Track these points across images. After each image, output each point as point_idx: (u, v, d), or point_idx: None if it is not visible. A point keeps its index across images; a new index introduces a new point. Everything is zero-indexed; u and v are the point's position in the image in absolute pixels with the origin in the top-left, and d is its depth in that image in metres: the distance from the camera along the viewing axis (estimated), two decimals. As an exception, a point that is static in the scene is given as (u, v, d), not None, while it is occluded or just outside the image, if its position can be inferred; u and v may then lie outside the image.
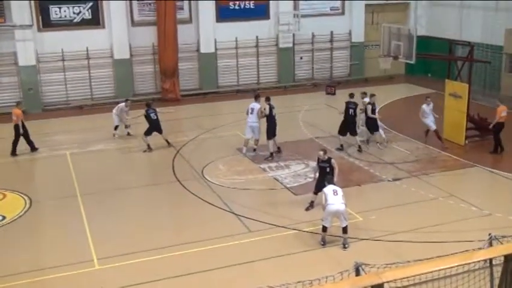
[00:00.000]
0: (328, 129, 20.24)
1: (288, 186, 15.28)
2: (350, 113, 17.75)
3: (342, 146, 17.94)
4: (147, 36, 25.21)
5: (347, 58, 28.74)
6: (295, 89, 27.54)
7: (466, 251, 7.76)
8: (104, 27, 24.75)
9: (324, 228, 12.03)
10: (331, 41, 28.24)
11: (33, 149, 18.60)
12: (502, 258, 7.46)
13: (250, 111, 17.44)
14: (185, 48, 25.92)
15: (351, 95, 18.03)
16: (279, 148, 17.52)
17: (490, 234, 8.18)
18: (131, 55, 25.27)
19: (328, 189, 12.02)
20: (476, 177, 15.86)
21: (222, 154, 17.73)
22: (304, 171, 16.35)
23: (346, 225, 11.93)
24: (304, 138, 19.28)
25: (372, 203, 13.91)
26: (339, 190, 12.01)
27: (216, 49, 26.42)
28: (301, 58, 28.02)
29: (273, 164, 16.83)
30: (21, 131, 18.29)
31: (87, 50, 24.57)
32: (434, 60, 25.17)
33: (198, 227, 13.00)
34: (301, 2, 27.28)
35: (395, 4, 29.08)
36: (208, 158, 17.43)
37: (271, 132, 16.98)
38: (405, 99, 24.98)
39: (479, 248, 7.81)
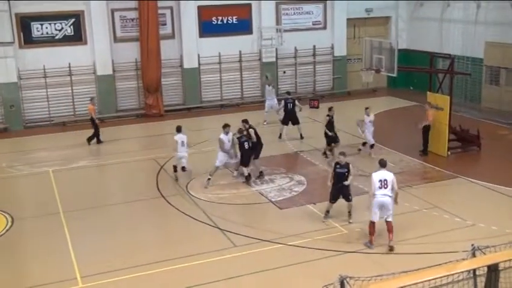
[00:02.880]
0: (312, 142, 20.32)
1: (273, 200, 15.28)
2: (289, 106, 20.52)
3: (280, 135, 20.29)
4: (130, 52, 25.20)
5: (330, 72, 28.95)
6: (279, 102, 27.57)
7: (450, 262, 7.82)
8: (86, 43, 24.69)
9: (372, 226, 12.10)
10: (313, 55, 28.43)
11: None
12: (486, 269, 7.53)
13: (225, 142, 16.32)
14: (168, 63, 25.94)
15: (288, 93, 21.50)
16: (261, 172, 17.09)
17: (473, 244, 8.23)
18: (114, 71, 25.22)
19: (377, 176, 11.94)
20: (459, 188, 16.00)
21: (206, 169, 17.68)
22: (288, 185, 16.37)
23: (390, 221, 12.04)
24: (288, 152, 19.34)
25: (356, 215, 13.94)
26: (389, 178, 11.91)
27: (199, 64, 26.47)
28: (284, 72, 28.16)
29: (257, 178, 16.81)
30: None
31: (69, 66, 24.48)
32: (416, 72, 25.47)
33: (183, 242, 12.94)
34: (283, 16, 27.50)
35: (377, 18, 29.41)
36: (193, 173, 17.36)
37: (257, 153, 16.85)
38: (388, 112, 25.18)
39: (463, 259, 7.86)
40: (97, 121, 21.27)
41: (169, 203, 15.21)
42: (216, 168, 16.40)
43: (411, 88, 28.43)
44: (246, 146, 16.34)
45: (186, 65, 26.25)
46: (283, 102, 21.31)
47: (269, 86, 23.64)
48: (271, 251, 12.35)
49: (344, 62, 28.89)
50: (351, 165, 13.32)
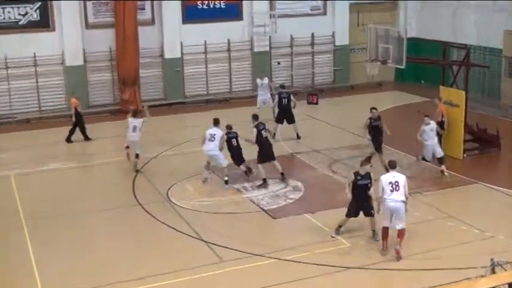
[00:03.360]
0: (311, 143, 20.24)
1: (265, 208, 15.17)
2: (283, 102, 20.52)
3: (274, 134, 19.85)
4: (104, 40, 25.02)
5: (330, 63, 28.91)
6: (272, 98, 27.49)
7: (467, 279, 7.76)
8: (53, 29, 24.52)
9: (385, 231, 12.15)
10: (312, 44, 28.40)
11: None
12: (506, 287, 7.44)
13: (209, 137, 16.47)
14: (147, 53, 25.79)
15: (282, 86, 21.51)
16: (249, 169, 17.16)
17: (492, 259, 8.21)
18: (85, 61, 25.04)
19: (387, 178, 12.11)
20: (477, 196, 15.94)
21: (189, 173, 17.57)
22: (283, 191, 16.25)
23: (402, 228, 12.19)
24: (284, 153, 19.22)
25: (361, 226, 13.83)
26: (401, 180, 12.07)
27: (182, 54, 26.34)
28: (278, 63, 28.11)
29: (248, 184, 16.71)
30: None
31: (34, 56, 24.27)
32: (427, 64, 25.43)
33: (162, 257, 12.81)
34: (278, 1, 27.42)
35: (383, 3, 29.41)
36: (174, 177, 17.25)
37: (261, 157, 16.63)
38: (395, 109, 25.16)
39: (481, 276, 7.81)
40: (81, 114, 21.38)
41: (147, 212, 15.10)
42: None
43: (422, 82, 28.41)
44: (234, 142, 16.55)
45: (167, 55, 26.12)
46: (277, 97, 21.20)
47: (261, 79, 23.50)
48: (263, 267, 12.22)
49: (346, 52, 28.86)
50: (372, 174, 12.94)
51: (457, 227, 13.82)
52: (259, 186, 16.44)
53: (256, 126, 16.77)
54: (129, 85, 25.31)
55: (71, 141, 21.15)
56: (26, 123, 24.12)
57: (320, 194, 16.09)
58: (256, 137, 16.63)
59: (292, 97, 21.06)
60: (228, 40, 26.92)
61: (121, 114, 24.38)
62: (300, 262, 12.26)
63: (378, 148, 17.29)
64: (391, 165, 12.47)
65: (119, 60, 25.16)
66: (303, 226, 14.12)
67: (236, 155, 16.74)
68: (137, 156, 17.90)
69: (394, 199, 12.09)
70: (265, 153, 16.60)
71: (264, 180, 16.49)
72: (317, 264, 12.05)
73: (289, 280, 11.64)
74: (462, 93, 18.23)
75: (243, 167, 16.86)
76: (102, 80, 25.58)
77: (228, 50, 27.09)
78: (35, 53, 24.24)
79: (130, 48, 24.98)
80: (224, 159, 16.63)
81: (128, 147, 18.13)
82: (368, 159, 13.39)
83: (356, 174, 12.89)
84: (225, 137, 16.56)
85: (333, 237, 13.30)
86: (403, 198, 12.15)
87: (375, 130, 17.28)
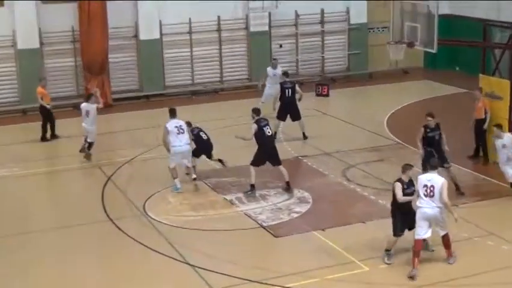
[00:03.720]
0: (320, 144, 20.33)
1: (264, 224, 15.26)
2: (287, 94, 20.42)
3: (275, 133, 19.32)
4: (65, 18, 25.22)
5: (344, 46, 29.02)
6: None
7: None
8: (2, 5, 24.63)
9: (418, 244, 12.81)
10: (321, 22, 28.54)
11: None
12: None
13: (176, 130, 16.95)
14: (118, 33, 25.95)
15: (285, 74, 21.65)
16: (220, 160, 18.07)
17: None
18: (42, 44, 25.16)
19: (422, 180, 12.79)
20: (523, 209, 16.08)
21: (171, 182, 17.65)
22: (286, 203, 16.35)
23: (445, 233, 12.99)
24: (287, 157, 19.31)
25: (382, 246, 13.95)
26: (437, 185, 12.67)
27: (161, 34, 26.48)
28: (280, 46, 28.22)
29: (243, 195, 16.81)
30: None
31: (-21, 37, 24.44)
32: (464, 47, 25.56)
33: (139, 284, 12.86)
34: (279, -31, 27.57)
35: (409, -29, 29.54)
36: (152, 186, 17.33)
37: (258, 159, 16.81)
38: (424, 102, 25.27)
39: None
40: (49, 108, 21.86)
41: (120, 229, 15.15)
42: None
43: (457, 69, 28.53)
44: (204, 136, 17.70)
45: (143, 36, 26.27)
46: (278, 86, 21.30)
47: (274, 68, 23.43)
48: (263, 296, 12.30)
49: (364, 33, 29.02)
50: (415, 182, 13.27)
51: (498, 246, 13.92)
52: (246, 193, 16.62)
53: (257, 122, 16.85)
54: (95, 73, 25.40)
55: (47, 139, 21.64)
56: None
57: (331, 206, 16.20)
58: (255, 134, 16.71)
59: (297, 88, 21.03)
60: (218, 18, 27.07)
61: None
62: (307, 290, 12.35)
63: (444, 161, 16.37)
64: (432, 166, 13.10)
65: (83, 43, 25.24)
66: (310, 246, 14.19)
67: (206, 148, 17.67)
68: (89, 146, 19.47)
69: (429, 205, 12.71)
70: (266, 156, 16.71)
71: (252, 186, 16.67)
72: (329, 293, 12.16)
73: (294, 312, 11.78)
74: (506, 83, 18.35)
75: (215, 157, 17.89)
76: (62, 66, 25.72)
77: (218, 30, 27.22)
78: (-21, 34, 24.41)
79: (97, 27, 25.10)
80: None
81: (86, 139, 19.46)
82: (410, 166, 13.48)
83: (399, 182, 13.10)
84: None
85: (386, 263, 13.29)
86: (439, 204, 12.70)
87: (431, 143, 16.53)
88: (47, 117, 21.76)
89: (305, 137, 20.89)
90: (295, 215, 15.72)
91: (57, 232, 15.43)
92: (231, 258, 13.72)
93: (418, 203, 12.77)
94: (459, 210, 15.49)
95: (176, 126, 16.98)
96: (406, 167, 13.28)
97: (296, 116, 20.86)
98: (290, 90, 20.78)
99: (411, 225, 13.16)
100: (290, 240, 14.52)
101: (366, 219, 15.21)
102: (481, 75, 19.12)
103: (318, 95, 26.19)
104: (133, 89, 26.67)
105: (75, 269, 13.61)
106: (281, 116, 20.89)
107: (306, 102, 21.94)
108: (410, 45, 19.01)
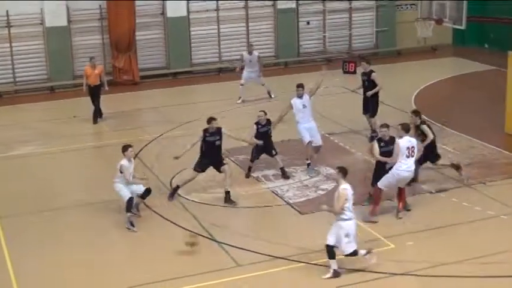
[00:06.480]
0: (347, 122, 20.29)
1: (291, 201, 15.33)
2: (365, 84, 18.80)
3: (374, 131, 18.20)
4: (92, -5, 25.26)
5: (372, 23, 28.84)
6: (300, 66, 27.58)
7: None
8: (30, -18, 24.78)
9: (380, 193, 14.07)
10: (349, -1, 28.40)
11: None
12: None
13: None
14: (145, 11, 25.98)
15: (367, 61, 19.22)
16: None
17: None
18: (70, 21, 25.28)
19: (404, 143, 13.82)
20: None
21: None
22: (313, 180, 16.40)
23: None
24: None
25: (408, 223, 13.96)
26: (416, 145, 14.00)
27: (188, 12, 26.47)
28: (308, 23, 28.11)
29: (270, 172, 16.87)
30: None
31: (7, 15, 24.54)
32: (493, 24, 25.30)
33: (166, 261, 12.96)
34: None
35: None
36: (179, 163, 17.40)
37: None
38: (453, 79, 25.10)
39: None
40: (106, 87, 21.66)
41: (146, 205, 15.19)
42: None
43: (486, 46, 28.25)
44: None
45: (170, 13, 26.28)
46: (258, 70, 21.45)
47: (250, 54, 22.88)
48: (289, 273, 12.36)
49: (392, 9, 28.79)
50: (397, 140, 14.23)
51: (526, 225, 13.88)
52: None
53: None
54: (123, 50, 25.50)
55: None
56: (-3, 98, 24.48)
57: (357, 184, 16.15)
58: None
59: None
60: (245, -5, 27.02)
61: (114, 86, 24.61)
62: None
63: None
64: (405, 129, 14.06)
65: (110, 20, 25.34)
66: (336, 223, 14.29)
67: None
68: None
69: (410, 167, 13.87)
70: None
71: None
72: (354, 270, 12.15)
73: (319, 288, 11.81)
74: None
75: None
76: (90, 44, 25.79)
77: (245, 7, 27.16)
78: (7, 12, 24.50)
79: (125, 5, 25.17)
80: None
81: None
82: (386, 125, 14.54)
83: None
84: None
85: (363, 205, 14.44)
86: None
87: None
88: (92, 97, 21.32)
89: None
90: (322, 192, 15.75)
91: (85, 209, 15.53)
92: (257, 235, 13.80)
93: (400, 164, 13.74)
94: (486, 188, 15.54)
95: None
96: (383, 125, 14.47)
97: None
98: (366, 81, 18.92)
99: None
100: (316, 218, 14.55)
101: (391, 197, 15.20)
102: (510, 52, 18.94)
103: (345, 72, 26.09)
104: (160, 66, 26.75)
105: (102, 246, 13.76)
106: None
107: (334, 80, 21.84)
108: (439, 22, 18.92)
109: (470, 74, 25.39)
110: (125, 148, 14.60)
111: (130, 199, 14.38)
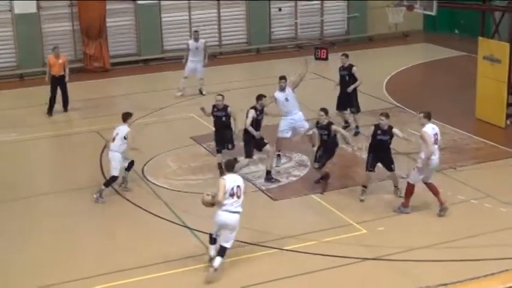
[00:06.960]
0: (318, 108, 20.27)
1: (263, 188, 15.37)
2: (346, 79, 18.38)
3: (346, 122, 18.47)
4: (62, -19, 25.06)
5: (343, 9, 28.89)
6: (272, 52, 27.60)
7: (507, 270, 7.92)
8: (-2, -31, 24.53)
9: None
10: (320, -15, 28.39)
11: None
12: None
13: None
14: (116, -4, 25.83)
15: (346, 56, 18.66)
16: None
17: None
18: (39, 8, 25.06)
19: (429, 130, 13.63)
20: (521, 171, 16.14)
21: (170, 145, 17.69)
22: (285, 167, 16.42)
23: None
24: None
25: (380, 209, 14.04)
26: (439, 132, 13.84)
27: (159, -2, 26.37)
28: (279, 10, 28.09)
29: (241, 158, 16.83)
30: None
31: (-25, 2, 24.32)
32: (464, 10, 25.44)
33: (136, 248, 12.96)
34: None
35: None
36: (151, 150, 17.37)
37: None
38: (424, 65, 25.25)
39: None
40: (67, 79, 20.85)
41: (118, 193, 15.20)
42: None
43: (456, 32, 28.42)
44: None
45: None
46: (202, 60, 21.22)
47: (196, 41, 22.07)
48: (261, 259, 12.40)
49: (363, -5, 28.87)
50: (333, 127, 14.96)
51: (496, 209, 14.01)
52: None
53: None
54: (93, 37, 25.36)
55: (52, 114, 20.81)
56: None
57: (330, 169, 16.26)
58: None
59: (355, 72, 18.54)
60: (217, -19, 26.93)
61: (85, 73, 24.47)
62: (305, 253, 12.45)
63: None
64: (427, 116, 13.72)
65: (80, 6, 25.14)
66: (308, 209, 14.34)
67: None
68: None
69: (437, 154, 13.60)
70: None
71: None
72: (326, 255, 12.21)
73: (292, 274, 11.81)
74: (506, 46, 18.29)
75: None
76: (60, 31, 25.63)
77: (217, -7, 27.10)
78: (-25, -2, 24.28)
79: (95, -10, 25.01)
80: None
81: None
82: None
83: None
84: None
85: (361, 199, 14.50)
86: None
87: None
88: (53, 87, 20.74)
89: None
90: (294, 179, 15.81)
91: (58, 196, 15.48)
92: (229, 222, 13.81)
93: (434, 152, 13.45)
94: (456, 173, 15.71)
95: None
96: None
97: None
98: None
99: (387, 165, 14.45)
100: (288, 204, 14.63)
101: (363, 182, 15.27)
102: (480, 38, 19.08)
103: (317, 58, 26.13)
104: (131, 53, 26.63)
105: (75, 233, 13.71)
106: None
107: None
108: (410, 8, 18.96)
109: (441, 60, 25.57)
110: (129, 115, 15.04)
111: (115, 178, 14.81)
